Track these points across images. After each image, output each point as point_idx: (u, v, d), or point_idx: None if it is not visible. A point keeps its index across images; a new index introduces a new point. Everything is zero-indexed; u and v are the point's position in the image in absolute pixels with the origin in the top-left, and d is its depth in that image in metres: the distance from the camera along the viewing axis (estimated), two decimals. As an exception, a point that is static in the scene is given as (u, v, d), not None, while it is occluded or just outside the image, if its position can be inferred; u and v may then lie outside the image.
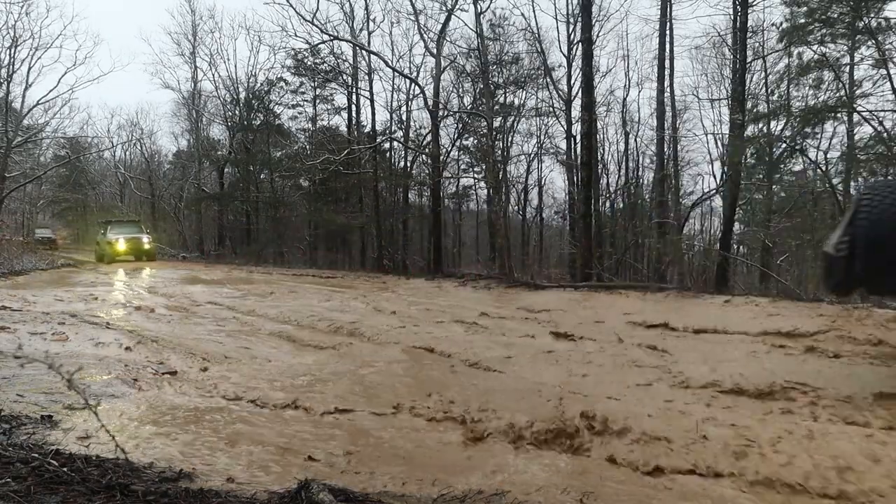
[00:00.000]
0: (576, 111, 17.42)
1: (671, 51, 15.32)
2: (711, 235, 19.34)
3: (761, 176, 14.43)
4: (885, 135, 9.62)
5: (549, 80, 18.90)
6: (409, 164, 23.68)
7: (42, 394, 3.29)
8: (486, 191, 23.31)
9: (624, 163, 20.11)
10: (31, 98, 22.89)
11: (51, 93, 21.87)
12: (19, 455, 2.04)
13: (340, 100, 25.08)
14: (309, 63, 23.31)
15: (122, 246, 20.10)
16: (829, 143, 14.80)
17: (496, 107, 20.12)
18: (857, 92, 11.15)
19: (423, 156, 21.43)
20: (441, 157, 19.54)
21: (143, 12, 55.15)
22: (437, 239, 18.91)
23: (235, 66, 41.60)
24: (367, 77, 21.33)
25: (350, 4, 19.30)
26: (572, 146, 18.40)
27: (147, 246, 20.65)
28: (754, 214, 15.84)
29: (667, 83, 15.28)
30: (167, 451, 2.56)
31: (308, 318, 7.17)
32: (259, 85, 25.66)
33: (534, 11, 36.24)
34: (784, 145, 11.65)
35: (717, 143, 19.14)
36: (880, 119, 9.88)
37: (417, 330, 6.28)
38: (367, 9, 20.10)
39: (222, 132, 28.89)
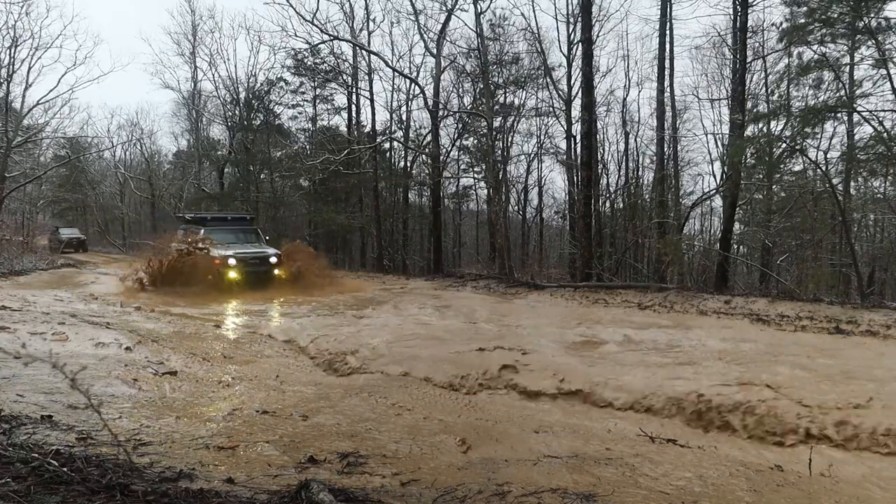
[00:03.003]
0: (576, 111, 17.46)
1: (671, 51, 15.35)
2: (711, 235, 19.34)
3: (761, 176, 14.40)
4: (885, 135, 9.59)
5: (549, 80, 18.92)
6: (409, 164, 23.68)
7: (42, 394, 3.29)
8: (486, 191, 23.30)
9: (624, 163, 20.07)
10: (31, 98, 22.88)
11: (51, 93, 21.81)
12: (19, 455, 2.03)
13: (340, 100, 25.12)
14: (309, 63, 23.30)
15: (234, 272, 12.03)
16: (829, 143, 14.79)
17: (496, 107, 20.10)
18: (857, 92, 11.13)
19: (423, 156, 21.42)
20: (441, 157, 19.53)
21: (143, 12, 55.11)
22: (437, 239, 18.89)
23: (235, 66, 41.78)
24: (367, 77, 21.37)
25: (350, 4, 19.33)
26: (572, 146, 18.41)
27: (277, 270, 12.85)
28: (754, 214, 15.81)
29: (667, 83, 15.31)
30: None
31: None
32: (259, 85, 25.66)
33: (534, 11, 36.42)
34: (784, 145, 11.61)
35: (717, 143, 19.14)
36: (880, 119, 9.86)
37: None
38: (367, 9, 20.20)
39: (222, 132, 28.91)
